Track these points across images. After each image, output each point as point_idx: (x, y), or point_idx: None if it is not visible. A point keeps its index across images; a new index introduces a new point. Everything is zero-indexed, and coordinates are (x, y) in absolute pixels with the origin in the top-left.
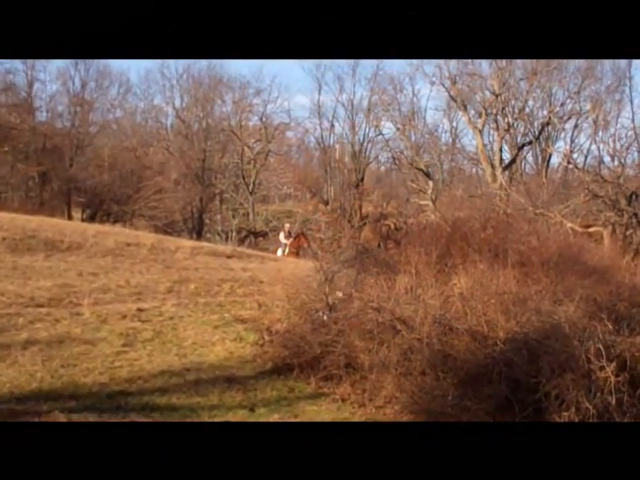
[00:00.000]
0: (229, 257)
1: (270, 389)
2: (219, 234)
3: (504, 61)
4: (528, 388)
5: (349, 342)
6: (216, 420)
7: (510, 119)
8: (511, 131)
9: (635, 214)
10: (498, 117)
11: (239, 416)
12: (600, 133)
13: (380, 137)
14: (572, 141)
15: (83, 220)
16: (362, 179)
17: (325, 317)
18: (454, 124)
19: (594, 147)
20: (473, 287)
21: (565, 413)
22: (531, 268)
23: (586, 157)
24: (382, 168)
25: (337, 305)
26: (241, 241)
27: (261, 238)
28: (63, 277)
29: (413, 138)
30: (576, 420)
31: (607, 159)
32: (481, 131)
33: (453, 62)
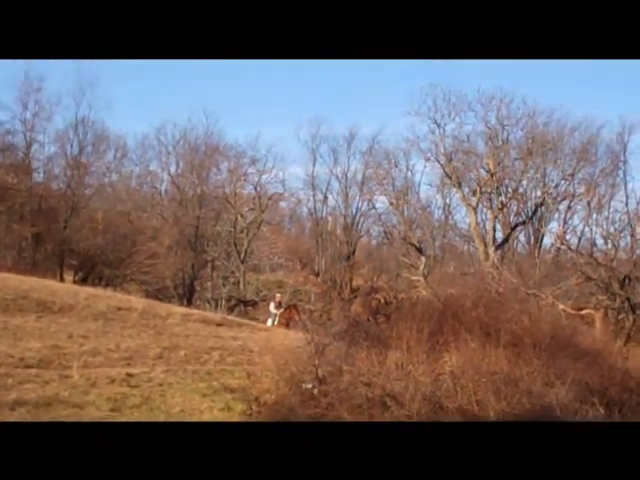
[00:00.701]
0: (219, 325)
1: None
2: (209, 301)
3: (500, 140)
4: None
5: (338, 416)
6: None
7: (504, 198)
8: (504, 210)
9: (628, 298)
10: (492, 196)
11: None
12: (594, 216)
13: (373, 211)
14: (565, 222)
15: (75, 282)
16: (353, 252)
17: (315, 390)
18: (447, 200)
19: (587, 229)
20: (464, 366)
21: None
22: (523, 349)
23: (579, 239)
24: (373, 242)
25: (327, 378)
26: (230, 309)
27: (251, 307)
28: (53, 339)
29: (406, 213)
30: None
31: (600, 242)
32: (475, 209)
33: (449, 139)
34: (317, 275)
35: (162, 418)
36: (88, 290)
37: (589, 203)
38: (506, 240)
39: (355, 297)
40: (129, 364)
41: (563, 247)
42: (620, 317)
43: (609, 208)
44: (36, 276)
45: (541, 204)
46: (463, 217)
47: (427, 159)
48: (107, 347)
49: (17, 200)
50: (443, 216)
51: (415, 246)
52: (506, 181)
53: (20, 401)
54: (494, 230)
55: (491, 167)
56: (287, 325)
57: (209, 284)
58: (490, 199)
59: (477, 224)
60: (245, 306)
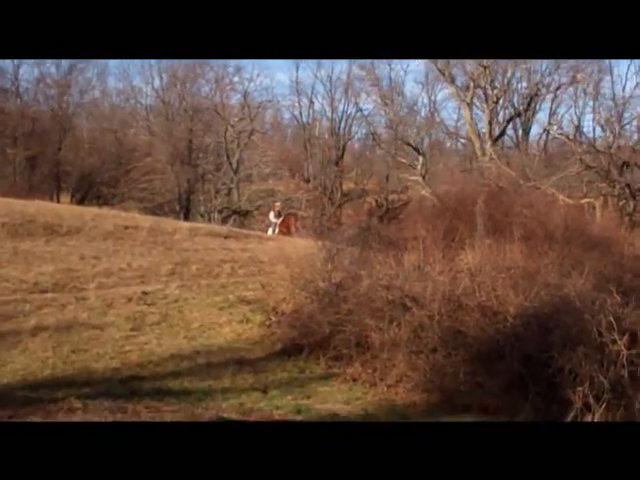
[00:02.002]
0: (226, 237)
1: (281, 370)
2: (201, 214)
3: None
4: (540, 363)
5: (359, 321)
6: (225, 418)
7: (498, 91)
8: (498, 104)
9: (628, 185)
10: (486, 90)
11: (252, 398)
12: (591, 103)
13: (359, 114)
14: (553, 112)
15: (72, 203)
16: (342, 156)
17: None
18: (432, 98)
19: (584, 117)
20: (481, 262)
21: (579, 388)
22: (536, 241)
23: (577, 127)
24: (361, 145)
25: (344, 283)
26: (224, 221)
27: (243, 217)
28: (65, 262)
29: (391, 113)
30: (590, 394)
31: (597, 130)
32: (469, 104)
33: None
34: (307, 181)
35: (182, 334)
36: (93, 210)
37: (585, 90)
38: (502, 134)
39: (346, 201)
40: (143, 282)
41: (561, 136)
42: (621, 204)
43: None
44: (32, 199)
45: (535, 94)
46: (450, 114)
47: None
48: (119, 267)
49: (9, 124)
50: (429, 114)
51: (412, 145)
52: (499, 75)
53: (40, 326)
54: (490, 125)
55: (483, 60)
56: (287, 233)
57: (201, 198)
58: (485, 94)
59: (472, 119)
60: (240, 217)
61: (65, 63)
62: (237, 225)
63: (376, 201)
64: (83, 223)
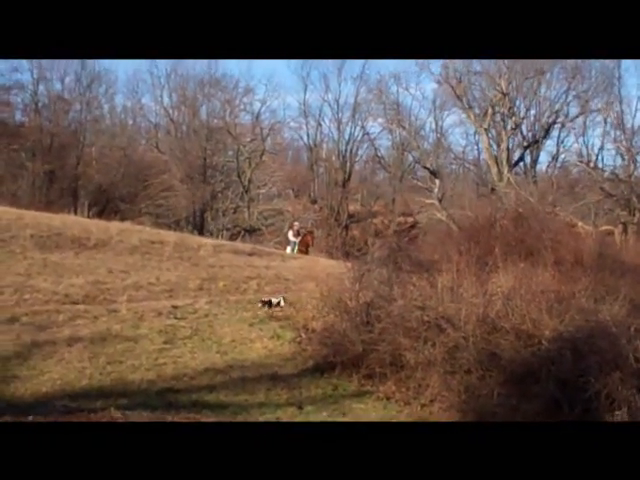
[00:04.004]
0: (250, 255)
1: (314, 387)
2: (210, 232)
3: (511, 60)
4: (576, 387)
5: (393, 340)
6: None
7: (517, 118)
8: (517, 130)
9: None
10: (505, 117)
11: (288, 413)
12: (612, 132)
13: (366, 137)
14: (561, 142)
15: (89, 217)
16: (349, 178)
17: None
18: (440, 123)
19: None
20: (514, 286)
21: (617, 412)
22: (567, 267)
23: (597, 156)
24: (367, 167)
25: (375, 303)
26: (232, 239)
27: (248, 236)
28: (94, 274)
29: (399, 138)
30: (627, 419)
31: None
32: (487, 130)
33: (459, 60)
34: (314, 202)
35: (214, 349)
36: (117, 225)
37: (605, 120)
38: (520, 160)
39: (353, 222)
40: (172, 296)
41: (581, 165)
42: None
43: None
44: (51, 212)
45: (554, 122)
46: (457, 139)
47: (438, 82)
48: (148, 281)
49: (29, 138)
50: (437, 139)
51: (428, 169)
52: (518, 101)
53: (75, 337)
54: (508, 150)
55: (503, 87)
56: (306, 252)
57: (210, 215)
58: (504, 119)
59: (489, 145)
60: (250, 235)
61: (85, 79)
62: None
63: (382, 222)
64: (109, 237)
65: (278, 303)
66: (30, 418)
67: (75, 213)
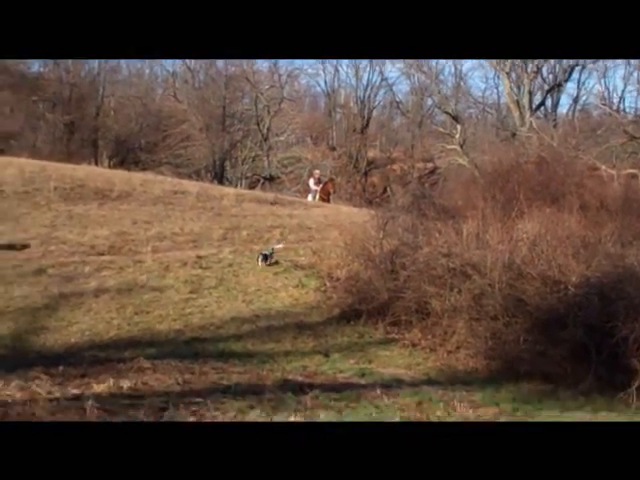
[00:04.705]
0: (273, 204)
1: (340, 335)
2: (229, 181)
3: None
4: (603, 332)
5: (418, 288)
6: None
7: (539, 62)
8: (538, 73)
9: None
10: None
11: (315, 361)
12: (635, 74)
13: (384, 82)
14: (582, 84)
15: (110, 168)
16: (367, 124)
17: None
18: (459, 67)
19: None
20: (540, 231)
21: None
22: (593, 212)
23: (620, 98)
24: (386, 113)
25: (400, 251)
26: (251, 188)
27: (268, 184)
28: (118, 225)
29: (417, 83)
30: None
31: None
32: (508, 74)
33: None
34: (333, 149)
35: (240, 298)
36: (139, 176)
37: (628, 61)
38: (542, 104)
39: (372, 169)
40: (196, 246)
41: (604, 107)
42: None
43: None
44: (71, 164)
45: (575, 64)
46: (476, 83)
47: None
48: (172, 231)
49: (48, 89)
50: (456, 83)
51: (450, 114)
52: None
53: (102, 288)
54: (530, 94)
55: None
56: (327, 200)
57: (230, 163)
58: (524, 62)
59: (511, 89)
60: (269, 183)
61: None
62: (265, 191)
63: (401, 169)
64: (132, 188)
65: (271, 255)
66: (60, 368)
67: (96, 164)
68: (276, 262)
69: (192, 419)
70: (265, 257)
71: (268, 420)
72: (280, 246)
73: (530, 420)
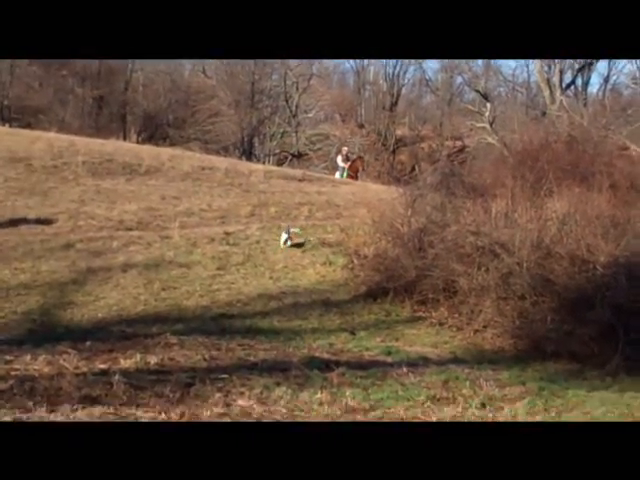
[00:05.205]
0: (301, 181)
1: (367, 312)
2: (257, 157)
3: None
4: (631, 312)
5: (446, 266)
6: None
7: None
8: None
9: None
10: None
11: (342, 339)
12: None
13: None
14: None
15: (138, 143)
16: (396, 102)
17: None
18: None
19: None
20: (569, 211)
21: None
22: (623, 191)
23: None
24: (415, 91)
25: (429, 229)
26: (279, 164)
27: (296, 160)
28: (146, 201)
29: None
30: None
31: None
32: None
33: None
34: (361, 127)
35: (267, 275)
36: (168, 151)
37: None
38: (572, 83)
39: (400, 147)
40: (224, 223)
41: (635, 86)
42: None
43: None
44: (100, 139)
45: None
46: (507, 62)
47: None
48: (200, 207)
49: (77, 64)
50: (486, 61)
51: (480, 92)
52: None
53: (129, 263)
54: (560, 73)
55: None
56: (356, 177)
57: (258, 139)
58: None
59: (542, 68)
60: (298, 160)
61: None
62: (293, 168)
63: (430, 147)
64: (160, 163)
65: (289, 237)
66: (88, 344)
67: (124, 139)
68: (300, 244)
69: (218, 395)
70: (285, 240)
71: (294, 398)
72: (296, 230)
73: (531, 420)
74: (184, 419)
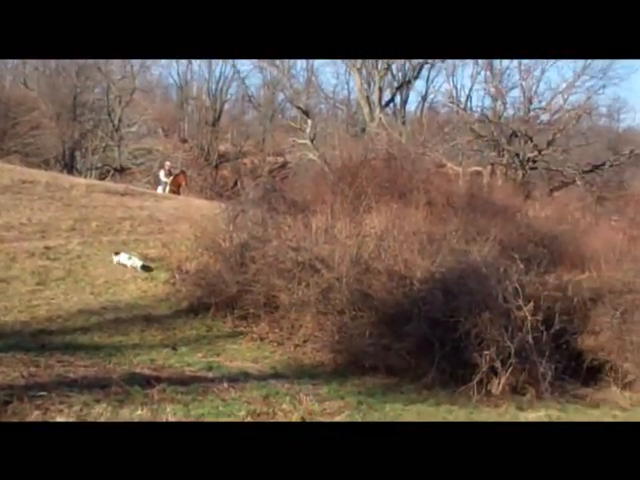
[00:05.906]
0: (123, 195)
1: (188, 328)
2: (79, 171)
3: None
4: (447, 327)
5: (267, 281)
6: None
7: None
8: (388, 70)
9: (517, 154)
10: None
11: (163, 355)
12: (482, 73)
13: (237, 75)
14: (431, 82)
15: None
16: (219, 117)
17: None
18: (311, 62)
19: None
20: (387, 227)
21: (486, 352)
22: (439, 208)
23: (467, 97)
24: (238, 107)
25: (250, 244)
26: (101, 178)
27: (118, 175)
28: None
29: (269, 77)
30: (496, 358)
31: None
32: (360, 70)
33: None
34: (184, 141)
35: (88, 290)
36: None
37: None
38: (391, 101)
39: (223, 162)
40: (44, 237)
41: (451, 105)
42: (509, 173)
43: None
44: None
45: (425, 63)
46: (328, 79)
47: None
48: (19, 221)
49: None
50: (307, 78)
51: (301, 108)
52: None
53: None
54: (380, 91)
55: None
56: (178, 192)
57: (81, 153)
58: (376, 60)
59: (362, 85)
60: (120, 174)
61: None
62: (116, 182)
63: (252, 162)
64: None
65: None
66: None
67: None
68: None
69: (37, 413)
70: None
71: (115, 414)
72: (127, 256)
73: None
74: None
